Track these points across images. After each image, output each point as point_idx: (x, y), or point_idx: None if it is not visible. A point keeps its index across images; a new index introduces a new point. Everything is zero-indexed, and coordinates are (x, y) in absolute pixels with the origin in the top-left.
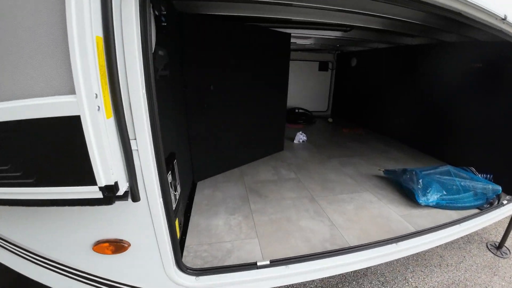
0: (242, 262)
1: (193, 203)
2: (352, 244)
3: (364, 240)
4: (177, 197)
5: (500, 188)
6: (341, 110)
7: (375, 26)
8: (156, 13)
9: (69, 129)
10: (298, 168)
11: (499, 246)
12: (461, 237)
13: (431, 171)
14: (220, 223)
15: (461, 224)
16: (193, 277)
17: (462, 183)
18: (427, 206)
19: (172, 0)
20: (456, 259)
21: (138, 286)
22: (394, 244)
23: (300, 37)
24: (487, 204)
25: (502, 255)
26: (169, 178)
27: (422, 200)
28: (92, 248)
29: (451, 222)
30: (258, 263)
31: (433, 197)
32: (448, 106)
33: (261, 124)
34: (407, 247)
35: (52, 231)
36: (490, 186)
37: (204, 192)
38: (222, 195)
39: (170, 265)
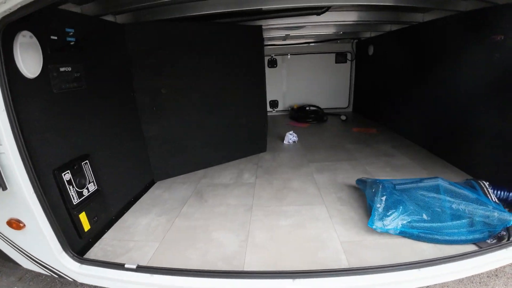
0: (127, 262)
1: (138, 201)
2: (247, 269)
3: (269, 268)
4: (86, 194)
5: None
6: (361, 107)
7: (363, 3)
8: (54, 37)
9: None
10: (265, 172)
11: None
12: (486, 270)
13: (413, 184)
14: (143, 223)
15: (420, 269)
16: (78, 264)
17: (453, 206)
18: (388, 233)
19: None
20: None
21: (41, 259)
22: (290, 280)
23: (290, 28)
24: (492, 238)
25: None
26: (68, 176)
27: (376, 225)
28: (5, 222)
29: (405, 265)
30: (126, 265)
31: (395, 222)
32: (468, 96)
33: (233, 124)
34: (307, 287)
35: None
36: (496, 214)
37: (155, 192)
38: (168, 196)
39: (53, 249)
